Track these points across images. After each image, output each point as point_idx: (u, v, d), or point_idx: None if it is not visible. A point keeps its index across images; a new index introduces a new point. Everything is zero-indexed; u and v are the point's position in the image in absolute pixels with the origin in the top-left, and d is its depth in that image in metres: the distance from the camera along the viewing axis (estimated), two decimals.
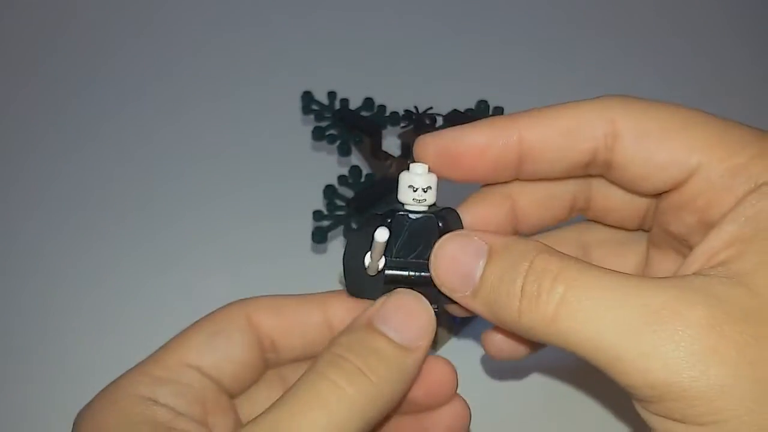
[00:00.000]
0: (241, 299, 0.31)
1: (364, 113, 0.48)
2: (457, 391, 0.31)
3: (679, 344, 0.23)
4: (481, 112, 0.47)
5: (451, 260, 0.28)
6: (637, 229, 0.34)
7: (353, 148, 0.46)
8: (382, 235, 0.28)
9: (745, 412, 0.23)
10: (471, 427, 0.33)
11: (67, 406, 0.29)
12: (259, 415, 0.25)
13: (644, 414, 0.26)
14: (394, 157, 0.47)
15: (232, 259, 0.53)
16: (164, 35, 0.71)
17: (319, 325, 0.31)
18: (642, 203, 0.32)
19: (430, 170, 0.30)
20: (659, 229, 0.31)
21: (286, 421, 0.24)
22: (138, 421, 0.26)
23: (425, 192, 0.30)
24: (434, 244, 0.29)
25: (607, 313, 0.24)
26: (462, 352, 0.46)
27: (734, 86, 0.66)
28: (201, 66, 0.68)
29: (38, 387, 0.46)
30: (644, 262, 0.33)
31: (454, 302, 0.29)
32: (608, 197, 0.33)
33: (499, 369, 0.46)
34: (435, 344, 0.48)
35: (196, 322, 0.30)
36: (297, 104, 0.49)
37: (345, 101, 0.48)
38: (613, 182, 0.31)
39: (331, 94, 0.49)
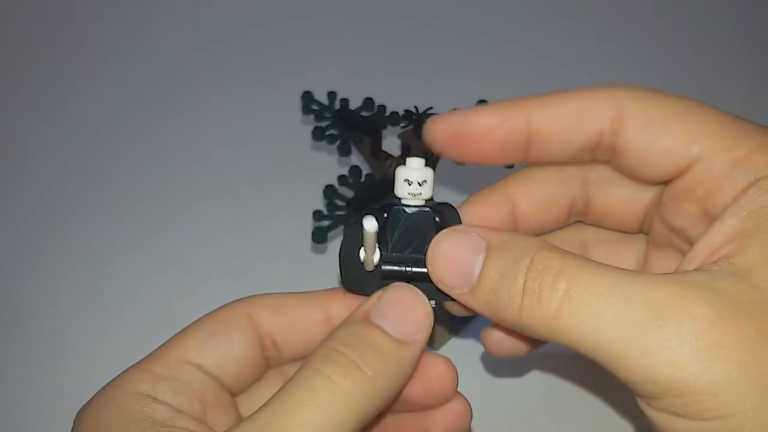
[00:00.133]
0: (242, 298, 0.31)
1: (364, 113, 0.48)
2: (458, 390, 0.31)
3: (684, 339, 0.23)
4: None
5: (449, 256, 0.28)
6: (636, 233, 0.34)
7: (353, 148, 0.46)
8: (369, 224, 0.27)
9: (750, 407, 0.23)
10: (472, 425, 0.33)
11: (67, 405, 0.29)
12: (253, 413, 0.25)
13: (647, 410, 0.25)
14: (394, 157, 0.47)
15: (232, 259, 0.53)
16: (164, 35, 0.71)
17: (320, 323, 0.31)
18: (642, 203, 0.32)
19: (426, 164, 0.30)
20: (659, 223, 0.31)
21: (279, 418, 0.24)
22: (137, 419, 0.26)
23: (420, 185, 0.29)
24: (431, 239, 0.29)
25: (610, 309, 0.24)
26: (462, 350, 0.46)
27: (734, 86, 0.66)
28: (201, 66, 0.68)
29: (38, 387, 0.46)
30: (643, 261, 0.33)
31: (452, 298, 0.29)
32: (608, 198, 0.32)
33: (499, 366, 0.46)
34: (434, 343, 0.48)
35: (197, 320, 0.30)
36: (297, 104, 0.49)
37: (345, 101, 0.48)
38: (617, 170, 0.31)
39: (331, 94, 0.49)
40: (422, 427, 0.32)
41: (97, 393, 0.28)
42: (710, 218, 0.27)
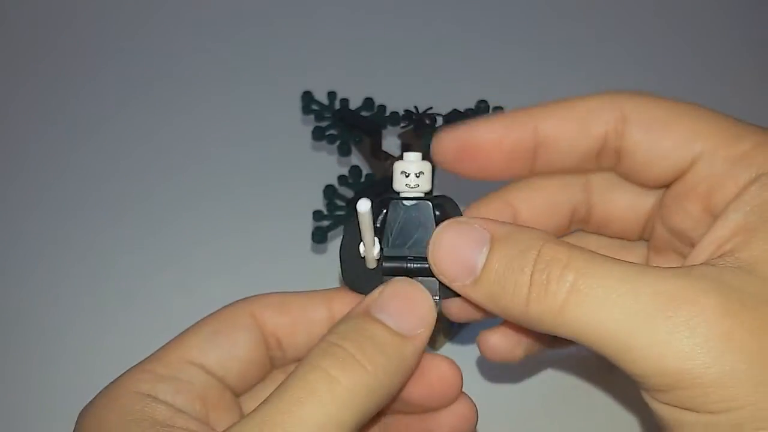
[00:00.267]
0: (246, 297, 0.31)
1: (364, 113, 0.48)
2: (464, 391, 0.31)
3: (693, 331, 0.23)
4: (481, 112, 0.47)
5: (451, 248, 0.28)
6: (637, 240, 0.34)
7: (353, 148, 0.46)
8: (363, 205, 0.27)
9: (760, 399, 0.23)
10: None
11: (67, 405, 0.29)
12: (251, 411, 0.25)
13: (653, 404, 0.25)
14: (394, 157, 0.47)
15: (233, 259, 0.53)
16: (164, 35, 0.71)
17: (323, 322, 0.31)
18: (644, 209, 0.32)
19: (423, 158, 0.30)
20: (661, 227, 0.31)
21: (276, 417, 0.24)
22: (137, 418, 0.26)
23: (418, 177, 0.29)
24: (431, 232, 0.28)
25: (619, 300, 0.24)
26: (458, 355, 0.46)
27: (734, 86, 0.66)
28: (201, 66, 0.68)
29: (38, 387, 0.46)
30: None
31: (453, 293, 0.28)
32: (610, 204, 0.32)
33: (495, 371, 0.46)
34: (435, 344, 0.48)
35: (201, 320, 0.30)
36: (297, 104, 0.49)
37: (345, 101, 0.48)
38: (621, 175, 0.31)
39: (331, 94, 0.49)
40: (426, 429, 0.31)
41: (99, 393, 0.28)
42: (713, 217, 0.28)
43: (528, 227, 0.27)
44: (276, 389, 0.25)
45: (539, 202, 0.32)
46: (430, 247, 0.28)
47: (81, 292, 0.51)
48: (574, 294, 0.25)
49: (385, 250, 0.29)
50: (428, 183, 0.30)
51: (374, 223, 0.29)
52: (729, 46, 0.70)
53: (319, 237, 0.42)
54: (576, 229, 0.34)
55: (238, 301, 0.31)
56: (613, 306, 0.24)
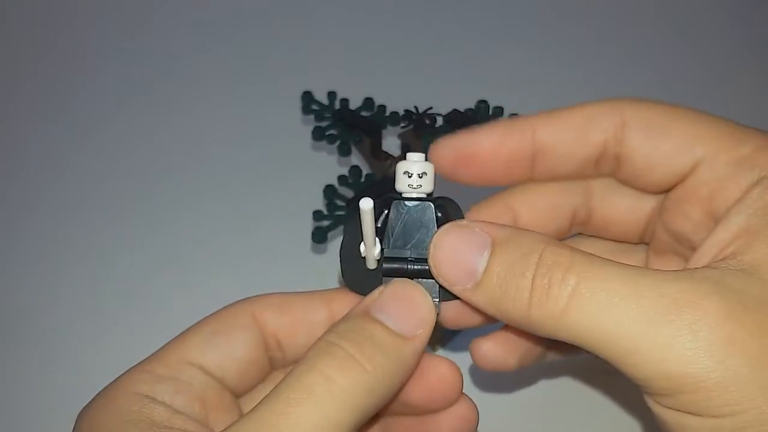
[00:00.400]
0: (246, 298, 0.31)
1: (364, 113, 0.48)
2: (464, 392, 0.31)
3: (696, 334, 0.23)
4: (481, 112, 0.47)
5: (452, 251, 0.27)
6: (637, 243, 0.33)
7: (353, 148, 0.46)
8: (366, 203, 0.26)
9: (763, 402, 0.23)
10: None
11: (67, 405, 0.29)
12: (247, 412, 0.24)
13: (656, 408, 0.25)
14: (394, 157, 0.47)
15: (233, 259, 0.53)
16: (164, 35, 0.71)
17: (324, 322, 0.30)
18: (644, 211, 0.32)
19: (426, 159, 0.30)
20: (662, 230, 0.31)
21: (271, 419, 0.24)
22: (135, 419, 0.26)
23: (421, 178, 0.29)
24: (433, 234, 0.28)
25: (621, 304, 0.24)
26: None
27: (734, 86, 0.66)
28: (201, 66, 0.68)
29: (38, 387, 0.46)
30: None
31: (453, 296, 0.28)
32: (611, 207, 0.32)
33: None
34: (435, 345, 0.47)
35: (201, 320, 0.30)
36: (297, 104, 0.49)
37: (345, 101, 0.48)
38: (621, 181, 0.31)
39: (331, 94, 0.49)
40: (427, 430, 0.31)
41: (99, 393, 0.28)
42: (714, 220, 0.28)
43: (529, 230, 0.27)
44: (272, 390, 0.25)
45: (540, 205, 0.32)
46: (431, 249, 0.28)
47: (81, 292, 0.51)
48: (575, 298, 0.25)
49: (385, 250, 0.29)
50: (431, 184, 0.29)
51: (376, 223, 0.29)
52: (729, 46, 0.70)
53: (319, 237, 0.42)
54: (575, 232, 0.34)
55: (238, 301, 0.31)
56: (616, 310, 0.24)
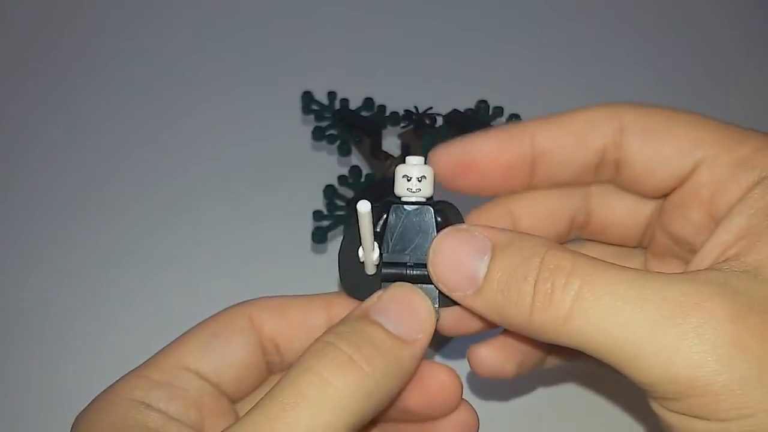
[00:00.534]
0: (244, 301, 0.31)
1: (364, 113, 0.48)
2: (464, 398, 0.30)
3: (703, 337, 0.23)
4: (481, 112, 0.47)
5: (451, 257, 0.27)
6: (636, 246, 0.33)
7: (353, 148, 0.46)
8: (364, 206, 0.26)
9: None
10: None
11: (66, 406, 0.29)
12: (241, 417, 0.24)
13: (662, 413, 0.25)
14: (394, 157, 0.47)
15: (233, 259, 0.53)
16: (164, 35, 0.71)
17: (322, 326, 0.30)
18: (643, 215, 0.32)
19: (426, 162, 0.29)
20: (662, 234, 0.31)
21: (266, 424, 0.23)
22: (129, 425, 0.26)
23: (420, 181, 0.29)
24: (432, 238, 0.28)
25: (626, 308, 0.24)
26: None
27: (734, 86, 0.66)
28: (201, 66, 0.68)
29: (38, 387, 0.46)
30: None
31: (453, 302, 0.28)
32: (610, 211, 0.32)
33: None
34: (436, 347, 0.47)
35: (199, 324, 0.30)
36: (297, 104, 0.49)
37: (345, 101, 0.48)
38: (620, 186, 0.31)
39: (331, 94, 0.49)
40: None
41: (94, 399, 0.28)
42: (715, 221, 0.27)
43: (529, 234, 0.27)
44: (267, 393, 0.24)
45: (539, 209, 0.32)
46: (430, 254, 0.28)
47: (81, 292, 0.51)
48: (579, 302, 0.24)
49: (384, 255, 0.29)
50: (430, 188, 0.29)
51: (374, 227, 0.28)
52: (729, 46, 0.70)
53: (319, 237, 0.42)
54: (574, 236, 0.34)
55: (235, 305, 0.30)
56: (620, 314, 0.24)
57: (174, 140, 0.62)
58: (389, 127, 0.47)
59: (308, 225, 0.43)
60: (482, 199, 0.33)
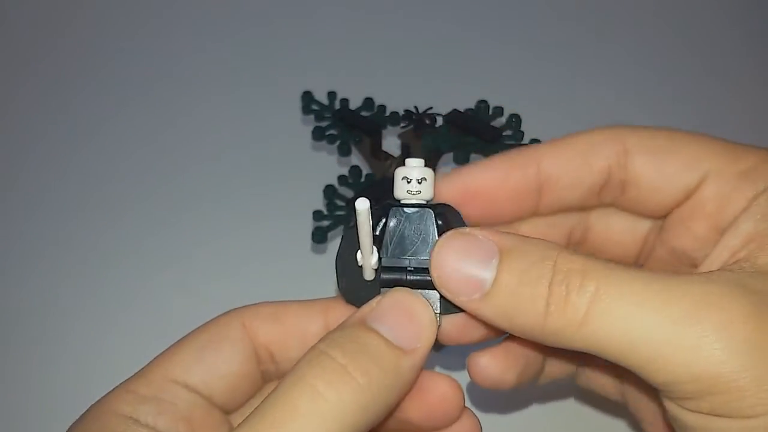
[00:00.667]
0: (238, 307, 0.30)
1: (364, 113, 0.48)
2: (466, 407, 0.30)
3: (722, 335, 0.23)
4: (481, 112, 0.47)
5: (456, 260, 0.26)
6: (632, 263, 0.33)
7: (353, 148, 0.46)
8: (362, 203, 0.25)
9: None
10: None
11: (66, 406, 0.29)
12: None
13: (679, 413, 0.24)
14: (394, 157, 0.47)
15: (233, 260, 0.53)
16: (164, 35, 0.71)
17: (319, 333, 0.28)
18: (641, 232, 0.32)
19: (426, 164, 0.29)
20: (662, 249, 0.31)
21: None
22: None
23: (420, 183, 0.28)
24: (433, 242, 0.27)
25: (643, 308, 0.23)
26: None
27: (734, 86, 0.66)
28: (201, 66, 0.68)
29: (38, 387, 0.46)
30: None
31: (455, 308, 0.27)
32: (607, 227, 0.32)
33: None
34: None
35: (190, 333, 0.29)
36: (297, 104, 0.49)
37: (345, 101, 0.48)
38: (624, 207, 0.31)
39: (331, 94, 0.49)
40: None
41: (84, 413, 0.27)
42: (720, 233, 0.28)
43: (535, 238, 0.26)
44: (258, 406, 0.23)
45: (537, 223, 0.32)
46: (432, 259, 0.26)
47: (81, 292, 0.51)
48: (596, 304, 0.24)
49: (383, 259, 0.28)
50: (430, 190, 0.28)
51: (373, 230, 0.27)
52: (729, 46, 0.70)
53: (319, 237, 0.42)
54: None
55: (228, 311, 0.30)
56: (638, 315, 0.23)
57: (174, 140, 0.62)
58: (389, 127, 0.47)
59: (308, 225, 0.43)
60: None
